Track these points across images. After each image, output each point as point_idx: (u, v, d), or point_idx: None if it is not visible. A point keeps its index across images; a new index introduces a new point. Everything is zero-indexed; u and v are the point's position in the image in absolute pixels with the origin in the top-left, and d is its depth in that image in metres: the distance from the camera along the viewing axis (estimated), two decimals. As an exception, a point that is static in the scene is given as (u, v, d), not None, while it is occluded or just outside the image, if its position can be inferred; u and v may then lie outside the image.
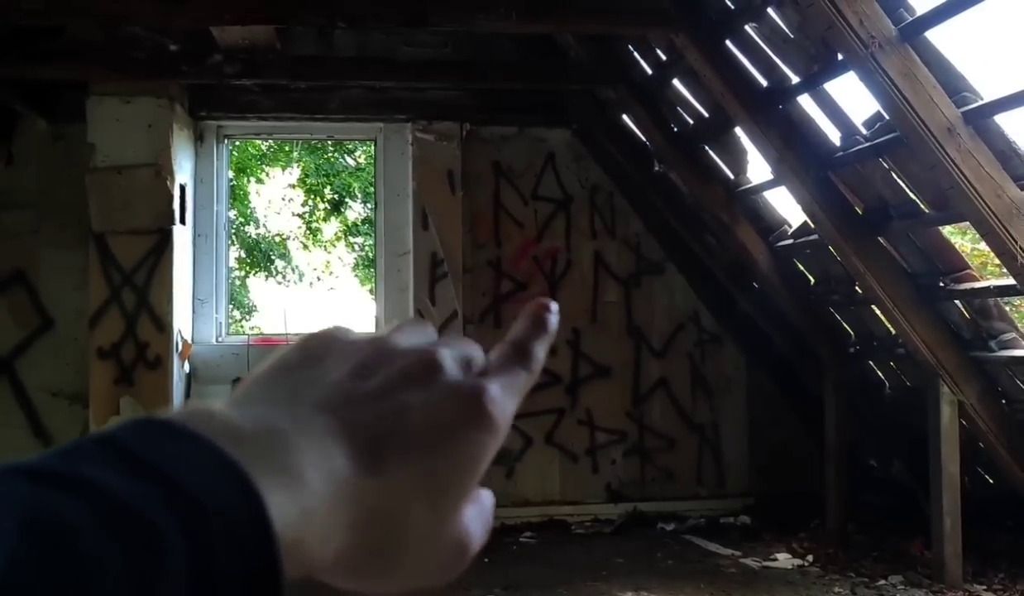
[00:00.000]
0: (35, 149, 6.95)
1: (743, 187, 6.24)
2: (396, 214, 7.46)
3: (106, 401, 6.33)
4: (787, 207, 6.35)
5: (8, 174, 6.92)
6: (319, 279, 14.59)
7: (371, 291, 13.84)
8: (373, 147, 7.81)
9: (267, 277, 13.78)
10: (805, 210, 5.70)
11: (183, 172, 6.70)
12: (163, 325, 6.40)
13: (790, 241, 6.28)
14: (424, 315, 7.25)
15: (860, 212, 5.45)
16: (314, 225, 14.07)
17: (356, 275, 14.60)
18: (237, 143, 9.61)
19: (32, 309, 6.96)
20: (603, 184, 7.71)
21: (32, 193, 6.93)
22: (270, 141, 11.34)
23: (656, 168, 7.10)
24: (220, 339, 7.30)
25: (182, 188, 6.63)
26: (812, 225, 5.83)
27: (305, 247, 14.31)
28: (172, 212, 6.36)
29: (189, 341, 6.93)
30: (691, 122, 6.36)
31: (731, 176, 6.32)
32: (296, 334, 7.31)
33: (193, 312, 7.12)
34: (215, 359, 7.14)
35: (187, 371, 6.88)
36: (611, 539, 6.97)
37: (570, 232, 7.69)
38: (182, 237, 6.67)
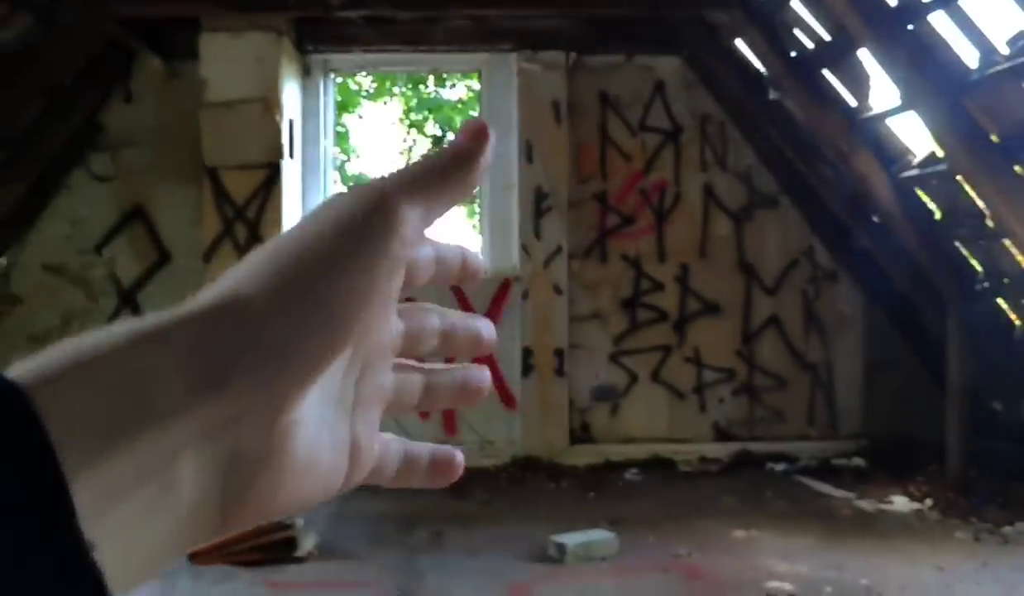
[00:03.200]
0: (151, 87, 7.12)
1: (865, 115, 5.91)
2: (500, 147, 7.35)
3: (222, 332, 6.51)
4: (912, 135, 5.99)
5: (127, 112, 7.11)
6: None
7: (476, 226, 13.90)
8: (477, 79, 7.70)
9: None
10: (934, 137, 5.36)
11: (291, 107, 6.75)
12: (274, 259, 6.51)
13: (915, 171, 5.93)
14: (528, 250, 7.20)
15: (995, 139, 5.08)
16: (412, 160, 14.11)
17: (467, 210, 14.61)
18: (341, 78, 9.63)
19: (151, 243, 7.19)
20: (714, 114, 7.44)
21: (149, 130, 7.11)
22: (373, 75, 11.29)
23: (771, 96, 6.79)
24: (329, 273, 7.40)
25: (290, 123, 6.68)
26: (940, 154, 5.48)
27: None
28: (281, 146, 6.43)
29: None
30: (810, 46, 6.03)
31: (852, 103, 5.99)
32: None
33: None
34: (324, 292, 7.23)
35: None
36: (718, 478, 6.87)
37: (679, 164, 7.47)
38: (290, 172, 6.75)
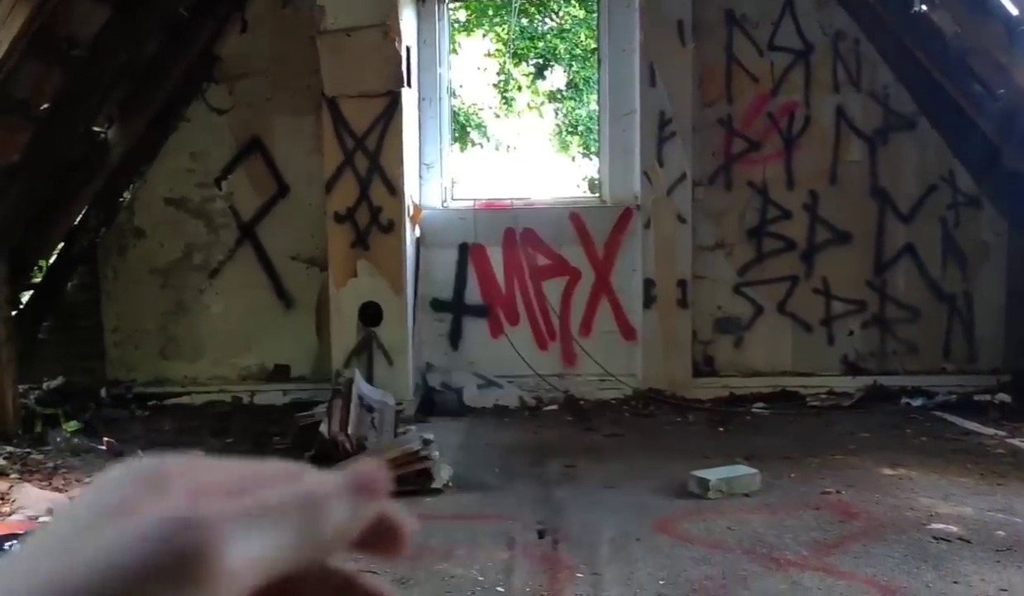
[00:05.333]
0: (266, 16, 7.03)
1: (1030, 24, 5.44)
2: (621, 71, 7.10)
3: (344, 264, 6.49)
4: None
5: (243, 42, 7.05)
6: (513, 148, 14.45)
7: (573, 156, 13.62)
8: (580, 5, 7.39)
9: (462, 148, 13.76)
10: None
11: (408, 34, 6.58)
12: (395, 189, 6.42)
13: (1085, 85, 5.46)
14: (651, 178, 6.95)
15: None
16: (509, 94, 13.83)
17: (558, 141, 14.35)
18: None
19: (269, 175, 7.18)
20: (849, 30, 7.00)
21: (264, 60, 7.05)
22: (483, 2, 11.00)
23: (916, 8, 6.32)
24: (445, 203, 7.31)
25: (407, 50, 6.52)
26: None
27: (498, 116, 14.13)
28: (401, 74, 6.28)
29: (419, 205, 6.96)
30: (968, -50, 5.57)
31: (1014, 11, 5.52)
32: (520, 198, 7.23)
33: (419, 177, 7.14)
34: (441, 223, 7.16)
35: (416, 235, 6.94)
36: (851, 413, 6.61)
37: (809, 85, 7.08)
38: (409, 101, 6.61)
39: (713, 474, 4.72)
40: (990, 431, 5.91)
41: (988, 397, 6.67)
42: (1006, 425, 6.02)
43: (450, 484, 4.90)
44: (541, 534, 4.15)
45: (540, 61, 12.92)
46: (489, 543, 4.01)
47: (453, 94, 11.34)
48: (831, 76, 7.06)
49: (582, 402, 6.98)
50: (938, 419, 6.33)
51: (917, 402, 6.72)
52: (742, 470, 4.84)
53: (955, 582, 3.48)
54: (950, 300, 7.17)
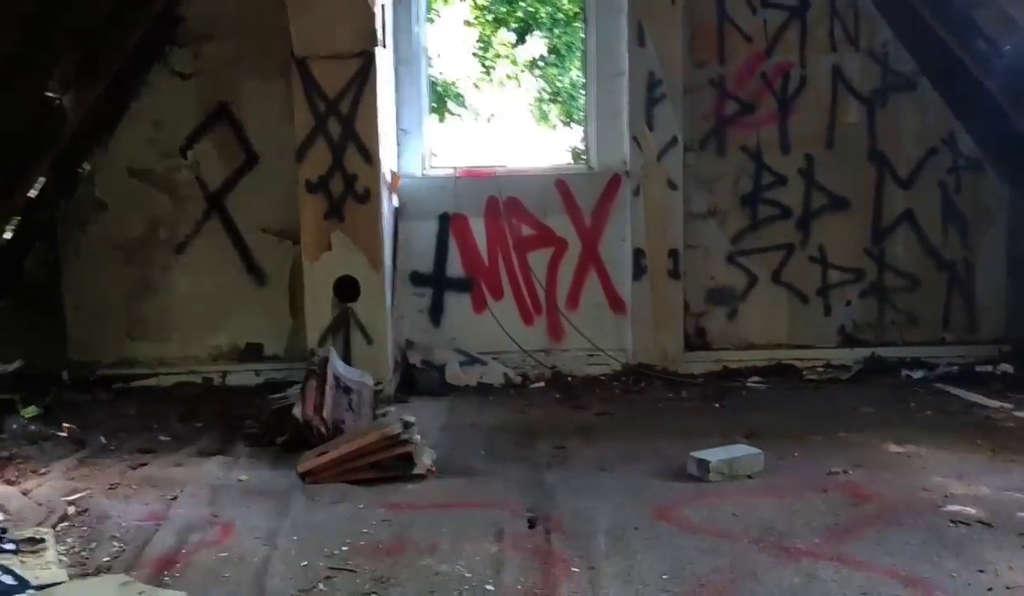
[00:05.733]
0: (231, -27, 6.62)
1: (1042, -27, 5.14)
2: (608, 31, 6.76)
3: (317, 236, 6.12)
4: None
5: (207, 2, 6.64)
6: (493, 117, 14.08)
7: (554, 125, 13.25)
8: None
9: (440, 119, 13.37)
10: None
11: (382, -9, 6.20)
12: (371, 156, 6.05)
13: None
14: (640, 142, 6.64)
15: None
16: (488, 62, 13.44)
17: (537, 111, 13.98)
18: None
19: (238, 144, 6.79)
20: (846, -15, 6.71)
21: (230, 21, 6.65)
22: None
23: (918, -40, 6.02)
24: (424, 171, 6.96)
25: (382, 7, 6.14)
26: None
27: (477, 86, 13.74)
28: (375, 31, 5.90)
29: (397, 172, 6.61)
30: None
31: (1025, -39, 5.22)
32: (501, 166, 6.91)
33: (397, 143, 6.78)
34: (421, 192, 6.83)
35: (395, 205, 6.59)
36: (850, 386, 6.37)
37: (805, 44, 6.79)
38: (384, 62, 6.23)
39: (713, 455, 4.44)
40: (995, 404, 5.67)
41: (990, 368, 6.46)
42: (1011, 397, 5.79)
43: (433, 469, 4.59)
44: (532, 523, 3.85)
45: (520, 26, 12.52)
46: (476, 534, 3.70)
47: (431, 62, 10.95)
48: (827, 34, 6.77)
49: (570, 379, 6.70)
50: (940, 392, 6.10)
51: (918, 374, 6.49)
52: (744, 450, 4.56)
53: (980, 570, 3.22)
54: (950, 268, 6.93)
